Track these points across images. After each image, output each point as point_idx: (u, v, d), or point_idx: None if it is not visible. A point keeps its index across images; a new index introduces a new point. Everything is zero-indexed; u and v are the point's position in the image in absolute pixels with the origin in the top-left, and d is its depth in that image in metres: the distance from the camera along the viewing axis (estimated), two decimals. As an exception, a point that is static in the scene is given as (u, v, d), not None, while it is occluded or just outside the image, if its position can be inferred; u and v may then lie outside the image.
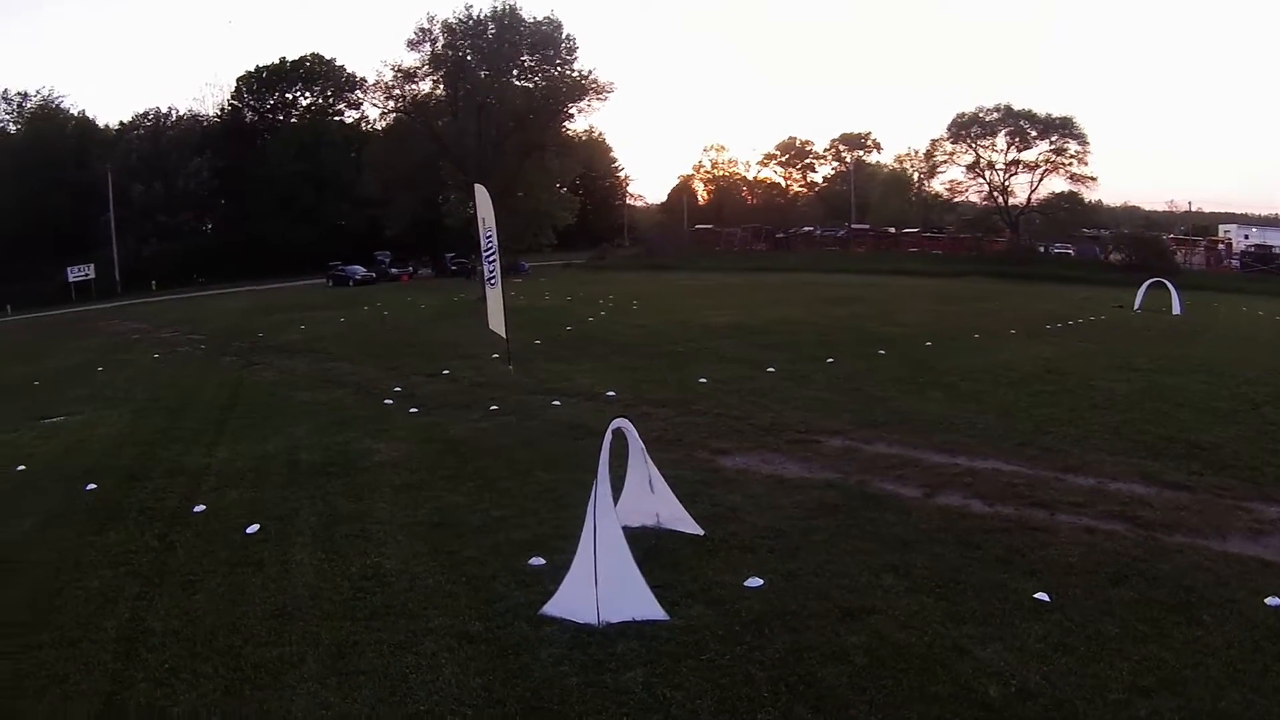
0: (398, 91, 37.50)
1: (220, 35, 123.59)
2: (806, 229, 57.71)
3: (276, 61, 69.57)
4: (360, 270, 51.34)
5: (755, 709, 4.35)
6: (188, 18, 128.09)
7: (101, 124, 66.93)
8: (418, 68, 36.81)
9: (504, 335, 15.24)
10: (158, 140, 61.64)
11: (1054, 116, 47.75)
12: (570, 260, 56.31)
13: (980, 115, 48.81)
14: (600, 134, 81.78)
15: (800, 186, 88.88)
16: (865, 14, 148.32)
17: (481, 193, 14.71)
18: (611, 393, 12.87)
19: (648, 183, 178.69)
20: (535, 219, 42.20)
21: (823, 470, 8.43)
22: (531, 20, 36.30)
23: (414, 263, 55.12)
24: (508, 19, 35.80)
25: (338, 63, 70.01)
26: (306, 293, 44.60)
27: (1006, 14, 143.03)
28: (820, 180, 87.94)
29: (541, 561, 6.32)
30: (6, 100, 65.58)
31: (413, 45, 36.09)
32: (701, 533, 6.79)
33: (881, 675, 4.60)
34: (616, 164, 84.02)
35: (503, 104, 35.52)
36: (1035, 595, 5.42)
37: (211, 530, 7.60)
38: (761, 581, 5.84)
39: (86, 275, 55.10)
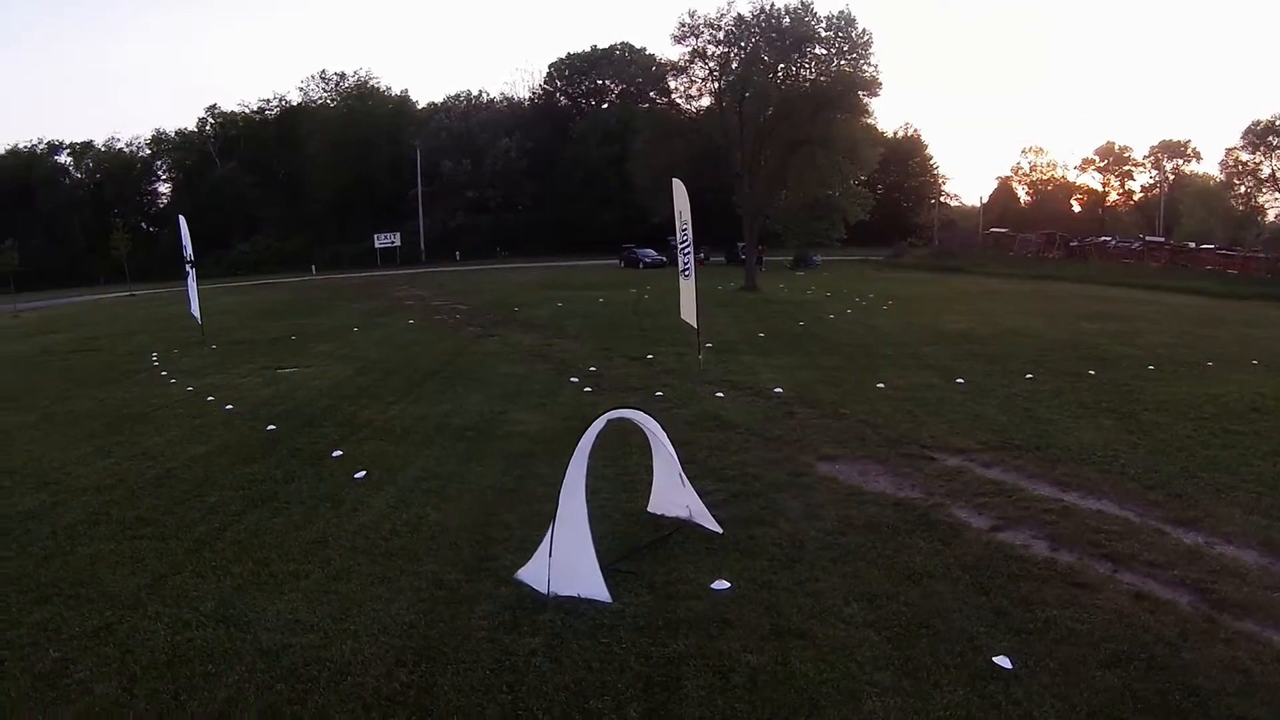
0: (665, 84, 40.25)
1: (532, 22, 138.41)
2: (1103, 239, 53.76)
3: (588, 49, 76.58)
4: (651, 254, 54.95)
5: (593, 695, 4.89)
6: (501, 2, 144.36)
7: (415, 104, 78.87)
8: (677, 62, 39.70)
9: (695, 326, 16.12)
10: (468, 120, 70.75)
11: None
12: (867, 256, 56.12)
13: (1277, 123, 41.97)
14: (915, 131, 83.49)
15: (1118, 194, 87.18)
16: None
17: (679, 187, 15.63)
18: (779, 390, 13.30)
19: (967, 182, 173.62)
20: (825, 213, 42.88)
21: (909, 489, 8.37)
22: (827, 16, 37.53)
23: (705, 249, 57.92)
24: (798, 11, 37.18)
25: (647, 51, 75.23)
26: (594, 272, 48.80)
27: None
28: (1138, 189, 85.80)
29: (559, 535, 7.19)
30: (324, 80, 79.39)
31: (677, 40, 39.09)
32: (720, 531, 7.27)
33: (741, 700, 4.84)
34: (932, 162, 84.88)
35: (765, 98, 36.77)
36: (995, 658, 5.17)
37: (330, 472, 9.45)
38: (728, 585, 6.24)
39: (392, 243, 65.20)
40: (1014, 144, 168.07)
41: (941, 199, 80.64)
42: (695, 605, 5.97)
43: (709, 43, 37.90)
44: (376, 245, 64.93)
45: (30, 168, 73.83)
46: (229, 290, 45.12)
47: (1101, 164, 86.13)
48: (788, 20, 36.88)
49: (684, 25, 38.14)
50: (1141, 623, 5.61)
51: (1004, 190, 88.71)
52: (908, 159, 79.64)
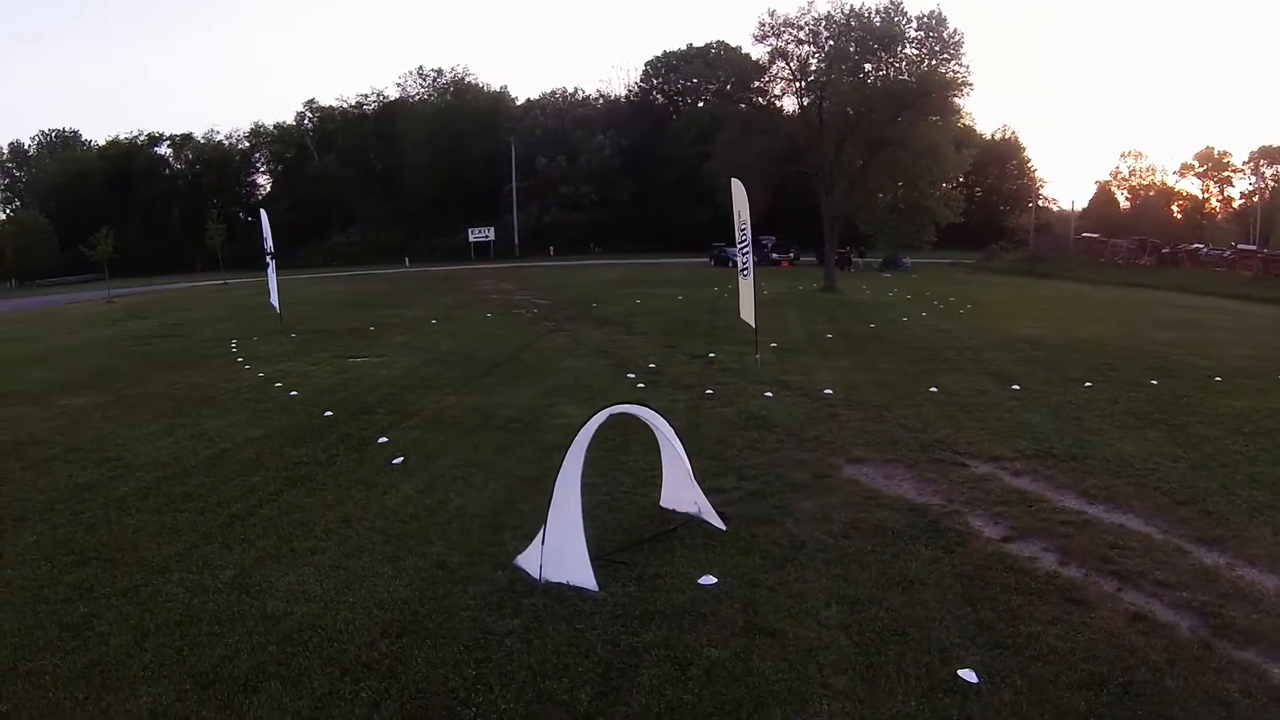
0: (754, 83, 40.70)
1: (630, 19, 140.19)
2: (1195, 246, 51.64)
3: (684, 48, 77.48)
4: (741, 252, 55.10)
5: (551, 676, 5.15)
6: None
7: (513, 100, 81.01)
8: (757, 61, 40.26)
9: (753, 325, 16.25)
10: (563, 117, 72.18)
11: None
12: (959, 259, 55.66)
13: None
14: (1013, 134, 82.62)
15: (1218, 200, 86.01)
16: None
17: (737, 186, 15.78)
18: (829, 391, 13.35)
19: (1065, 185, 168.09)
20: (914, 215, 42.49)
21: (929, 495, 8.36)
22: (918, 16, 37.61)
23: (796, 249, 57.89)
24: (888, 10, 37.12)
25: (743, 50, 75.35)
26: (683, 270, 49.23)
27: None
28: (1238, 195, 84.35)
29: (566, 524, 7.49)
30: (422, 76, 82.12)
31: (757, 39, 39.68)
32: (723, 528, 7.46)
33: (690, 692, 4.98)
34: (1030, 165, 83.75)
35: (846, 99, 36.63)
36: (960, 671, 5.13)
37: (370, 457, 10.01)
38: (715, 581, 6.42)
39: (486, 237, 67.29)
40: (1113, 147, 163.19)
41: (1039, 202, 78.94)
42: (676, 598, 6.16)
43: (790, 42, 38.03)
44: (470, 239, 67.04)
45: (131, 158, 78.47)
46: (321, 280, 47.16)
47: (1200, 169, 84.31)
48: (878, 20, 36.61)
49: (764, 25, 38.65)
50: (1130, 645, 5.45)
51: (1103, 195, 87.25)
52: (1005, 161, 78.64)
